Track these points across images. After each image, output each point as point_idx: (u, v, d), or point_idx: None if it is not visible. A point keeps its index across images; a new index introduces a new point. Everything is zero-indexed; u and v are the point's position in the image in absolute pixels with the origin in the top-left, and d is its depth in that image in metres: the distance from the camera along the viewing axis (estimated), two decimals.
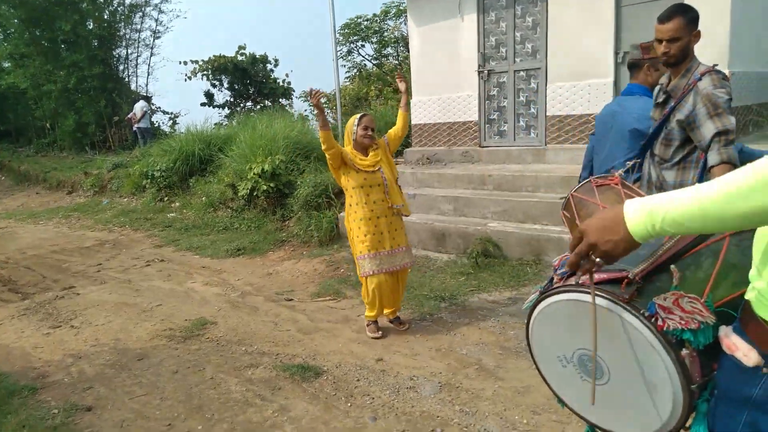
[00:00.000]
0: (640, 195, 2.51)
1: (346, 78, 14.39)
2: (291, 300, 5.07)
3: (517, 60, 6.97)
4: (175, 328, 4.47)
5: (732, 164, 2.22)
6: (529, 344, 1.48)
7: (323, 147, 3.77)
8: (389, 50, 14.72)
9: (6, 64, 18.87)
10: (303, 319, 4.53)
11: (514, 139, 7.06)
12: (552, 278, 1.52)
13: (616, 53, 6.15)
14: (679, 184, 2.51)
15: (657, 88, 2.71)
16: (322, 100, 3.72)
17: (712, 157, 2.26)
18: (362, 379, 3.38)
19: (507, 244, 5.36)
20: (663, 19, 2.46)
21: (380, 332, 4.02)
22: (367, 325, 4.09)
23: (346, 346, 3.92)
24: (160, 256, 7.12)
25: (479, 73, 7.24)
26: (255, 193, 7.92)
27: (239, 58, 18.66)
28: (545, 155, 6.66)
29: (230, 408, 3.13)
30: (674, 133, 2.48)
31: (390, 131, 4.10)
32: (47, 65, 17.01)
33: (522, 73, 6.94)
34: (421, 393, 3.15)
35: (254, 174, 7.87)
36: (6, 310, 5.24)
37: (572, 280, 1.34)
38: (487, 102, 7.30)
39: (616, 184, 2.58)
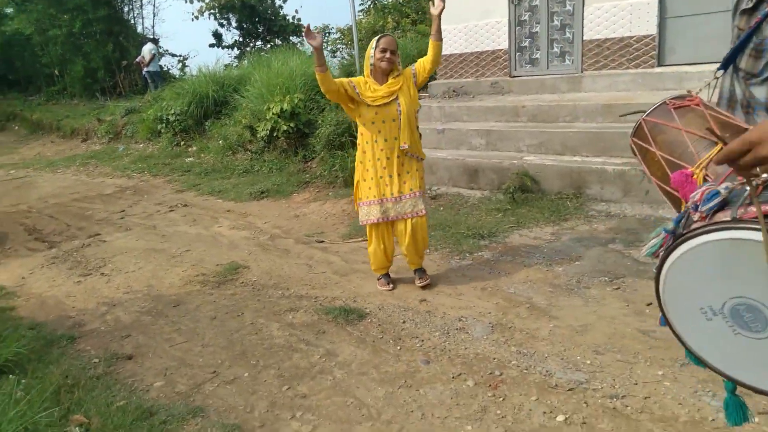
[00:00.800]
0: (728, 117, 2.25)
1: (360, 11, 13.76)
2: (322, 242, 4.92)
3: None
4: (207, 273, 4.35)
5: None
6: (658, 295, 1.27)
7: (322, 89, 3.36)
8: None
9: (8, 10, 18.33)
10: (337, 261, 4.38)
11: (548, 67, 6.65)
12: (685, 216, 1.29)
13: None
14: None
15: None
16: (318, 33, 3.22)
17: None
18: (408, 321, 3.24)
19: (545, 178, 5.10)
20: None
21: (392, 285, 3.71)
22: (378, 279, 3.78)
23: (383, 293, 3.76)
24: (182, 200, 6.97)
25: None
26: (275, 134, 7.66)
27: None
28: (582, 83, 6.27)
29: (275, 354, 3.02)
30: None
31: (420, 60, 3.48)
32: (50, 9, 16.46)
33: None
34: (473, 334, 3.01)
35: (273, 114, 7.59)
36: (34, 260, 5.16)
37: (723, 216, 1.12)
38: (518, 28, 6.84)
39: (697, 105, 2.30)
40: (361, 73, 3.62)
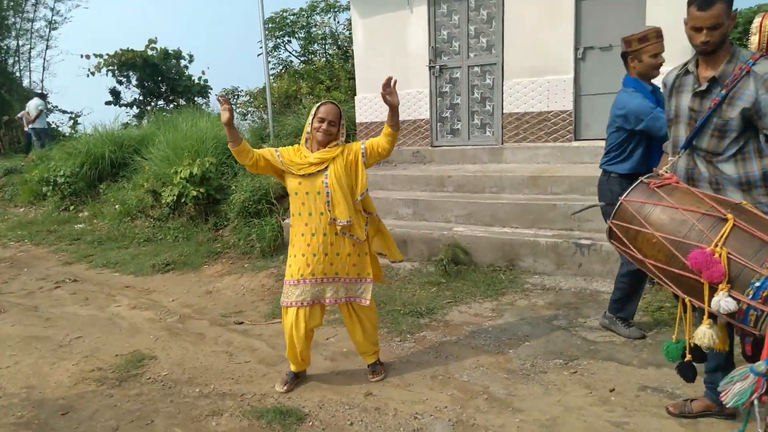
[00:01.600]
0: (714, 194, 2.16)
1: (272, 75, 13.53)
2: (242, 323, 4.38)
3: (471, 55, 6.63)
4: (104, 368, 3.67)
5: None
6: None
7: (240, 162, 3.10)
8: (316, 47, 14.07)
9: None
10: (262, 347, 3.88)
11: (469, 138, 6.72)
12: None
13: (576, 49, 5.95)
14: (744, 177, 2.22)
15: (679, 77, 2.39)
16: (231, 108, 2.91)
17: None
18: (356, 422, 2.82)
19: (476, 250, 4.97)
20: (703, 5, 2.14)
21: (287, 386, 3.18)
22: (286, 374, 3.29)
23: (323, 378, 3.32)
24: (71, 275, 6.11)
25: (430, 68, 6.84)
26: (183, 200, 7.06)
27: (149, 52, 17.25)
28: (503, 154, 6.37)
29: None
30: (732, 124, 2.17)
31: (372, 141, 3.08)
32: None
33: (476, 68, 6.61)
34: None
35: (181, 178, 7.02)
36: None
37: None
38: (439, 99, 6.91)
39: (677, 183, 2.21)
40: (281, 140, 3.32)
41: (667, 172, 2.29)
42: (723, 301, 1.85)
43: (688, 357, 2.15)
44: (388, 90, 2.91)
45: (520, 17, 6.21)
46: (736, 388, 1.17)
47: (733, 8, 2.19)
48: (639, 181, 2.25)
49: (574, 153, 5.91)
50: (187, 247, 6.64)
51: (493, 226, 5.18)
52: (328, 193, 2.97)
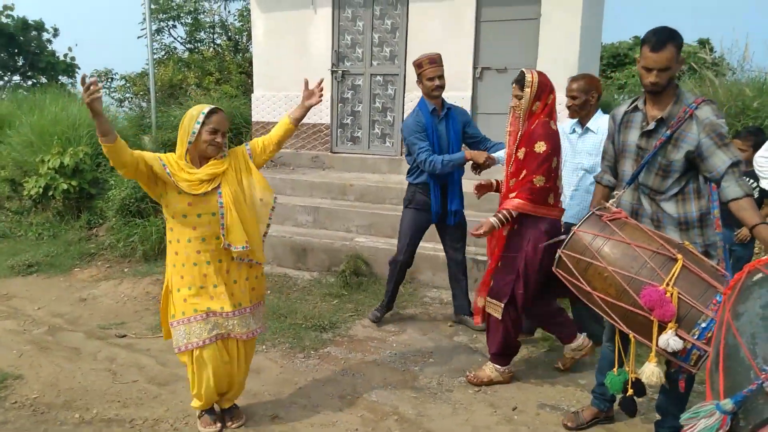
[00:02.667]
0: (660, 234, 2.23)
1: (154, 60, 12.51)
2: (125, 336, 3.99)
3: (375, 63, 6.64)
4: None
5: (751, 196, 2.13)
6: None
7: (112, 163, 2.46)
8: (203, 35, 13.32)
9: None
10: (151, 364, 3.55)
11: (368, 147, 6.73)
12: (755, 395, 1.13)
13: (475, 68, 6.19)
14: (683, 217, 2.36)
15: (628, 113, 2.51)
16: (100, 94, 2.27)
17: (734, 190, 2.13)
18: None
19: (377, 261, 4.97)
20: (655, 47, 2.22)
21: (219, 424, 2.81)
22: (199, 417, 2.84)
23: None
24: None
25: (332, 72, 6.74)
26: (50, 193, 6.32)
27: (4, 20, 15.33)
28: (401, 165, 6.43)
29: None
30: (676, 165, 2.30)
31: (258, 140, 2.78)
32: None
33: (379, 77, 6.63)
34: None
35: (49, 168, 6.29)
36: None
37: None
38: (340, 105, 6.84)
39: (627, 218, 2.28)
40: (165, 132, 2.94)
41: (613, 206, 2.38)
42: (671, 340, 1.91)
43: (630, 391, 2.19)
44: (320, 93, 2.85)
45: (423, 31, 6.33)
46: (701, 424, 1.23)
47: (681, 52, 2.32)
48: (591, 212, 2.29)
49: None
50: (54, 246, 5.94)
51: (394, 237, 5.17)
52: (222, 214, 2.55)
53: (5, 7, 15.27)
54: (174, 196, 2.54)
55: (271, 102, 7.15)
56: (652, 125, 2.36)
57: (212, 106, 2.57)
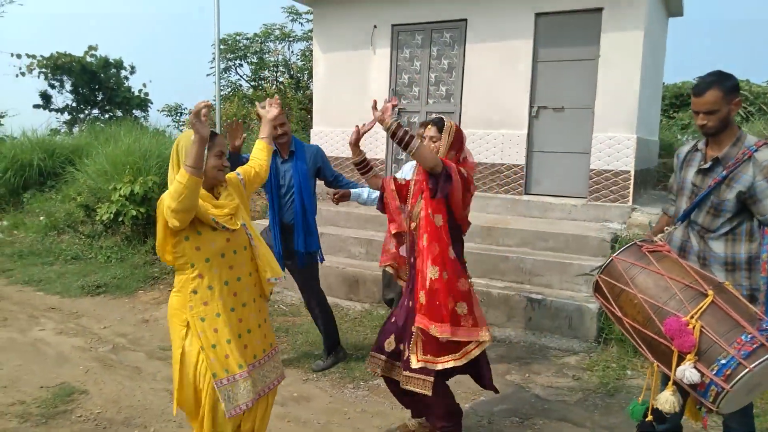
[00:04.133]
0: (699, 270, 2.24)
1: (221, 96, 13.23)
2: None
3: (430, 101, 6.78)
4: (28, 401, 3.34)
5: None
6: None
7: (179, 204, 1.99)
8: (267, 73, 13.96)
9: None
10: None
11: None
12: None
13: (531, 106, 6.21)
14: (731, 257, 2.34)
15: (690, 152, 2.54)
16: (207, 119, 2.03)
17: None
18: None
19: None
20: (698, 92, 2.31)
21: None
22: None
23: (274, 424, 3.16)
24: None
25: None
26: (120, 219, 6.68)
27: (88, 59, 16.55)
28: None
29: None
30: (728, 205, 2.30)
31: (250, 167, 2.57)
32: None
33: (434, 115, 6.74)
34: None
35: (120, 196, 6.66)
36: None
37: None
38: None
39: (668, 252, 2.30)
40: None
41: (661, 239, 2.39)
42: (688, 371, 1.93)
43: (650, 417, 2.21)
44: (278, 103, 2.68)
45: (480, 71, 6.43)
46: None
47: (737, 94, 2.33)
48: (633, 243, 2.34)
49: (524, 206, 6.10)
50: (121, 269, 6.25)
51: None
52: (254, 246, 2.35)
53: (90, 48, 16.50)
54: (210, 234, 2.19)
55: (330, 137, 7.38)
56: (708, 164, 2.36)
57: (210, 129, 2.18)
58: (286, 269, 3.92)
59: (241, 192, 2.45)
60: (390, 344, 2.87)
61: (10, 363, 3.91)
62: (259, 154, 2.62)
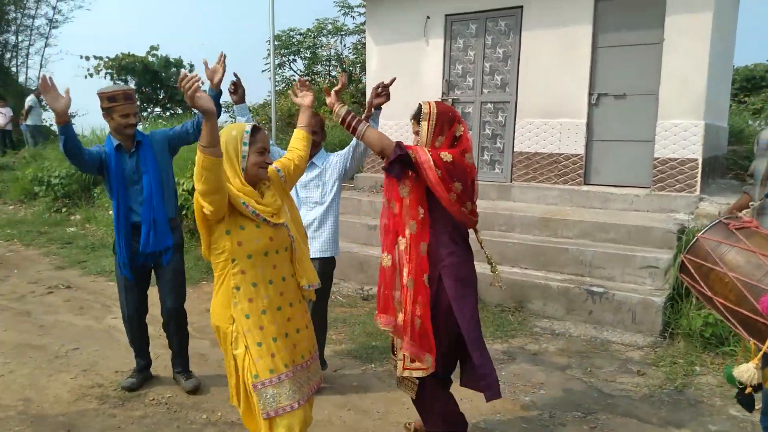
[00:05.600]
0: None
1: (272, 92, 13.57)
2: None
3: (485, 91, 6.70)
4: (105, 384, 3.54)
5: None
6: None
7: (203, 186, 1.99)
8: (320, 68, 14.15)
9: None
10: None
11: (477, 174, 6.74)
12: None
13: (590, 94, 6.04)
14: None
15: None
16: (197, 85, 1.95)
17: None
18: None
19: (486, 288, 4.89)
20: None
21: None
22: None
23: (334, 414, 3.23)
24: (64, 281, 5.94)
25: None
26: (183, 212, 6.94)
27: (150, 59, 17.25)
28: (511, 192, 6.39)
29: None
30: None
31: (288, 160, 2.48)
32: None
33: (489, 105, 6.67)
34: None
35: (183, 190, 6.92)
36: None
37: None
38: None
39: (757, 228, 2.21)
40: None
41: (746, 215, 2.30)
42: None
43: (749, 389, 2.13)
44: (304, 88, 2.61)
45: (536, 58, 6.30)
46: None
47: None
48: (717, 220, 2.26)
49: (583, 197, 5.95)
50: (186, 260, 6.48)
51: (503, 265, 5.15)
52: (294, 248, 2.29)
53: (152, 48, 17.21)
54: (253, 231, 2.14)
55: (383, 129, 7.37)
56: None
57: (253, 123, 2.24)
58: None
59: (283, 189, 2.39)
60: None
61: (88, 348, 4.14)
62: (298, 144, 2.53)
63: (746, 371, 2.01)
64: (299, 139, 2.54)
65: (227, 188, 2.06)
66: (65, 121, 2.89)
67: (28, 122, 13.02)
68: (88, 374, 3.69)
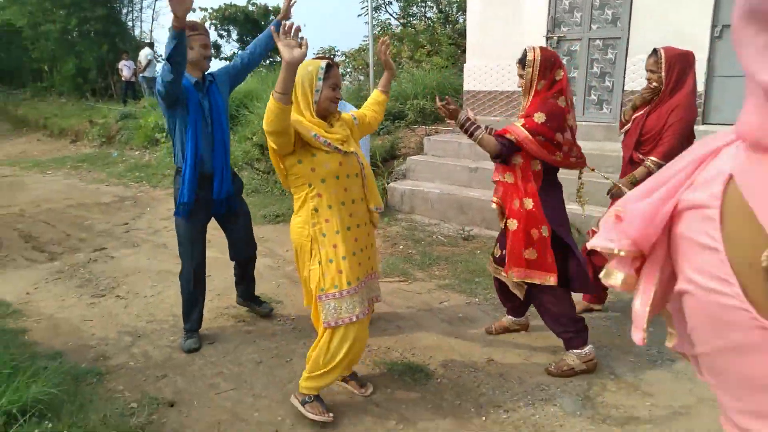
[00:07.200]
0: None
1: (366, 37, 13.57)
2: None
3: (594, 27, 6.39)
4: (238, 306, 3.99)
5: None
6: None
7: (271, 127, 2.18)
8: (415, 9, 13.95)
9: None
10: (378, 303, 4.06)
11: (583, 114, 6.54)
12: None
13: (713, 26, 5.61)
14: None
15: None
16: (296, 42, 2.14)
17: None
18: (482, 384, 2.94)
19: (586, 229, 4.90)
20: None
21: (330, 414, 2.57)
22: (306, 403, 2.59)
23: (443, 340, 3.45)
24: None
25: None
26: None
27: (250, 8, 17.75)
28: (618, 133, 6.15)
29: (342, 415, 2.68)
30: None
31: (364, 113, 2.77)
32: (46, 2, 15.94)
33: (598, 41, 6.38)
34: (563, 408, 2.72)
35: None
36: (36, 272, 4.69)
37: None
38: None
39: None
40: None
41: None
42: None
43: None
44: (387, 49, 2.80)
45: None
46: None
47: None
48: None
49: (702, 136, 5.63)
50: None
51: (605, 206, 5.07)
52: (364, 174, 2.52)
53: None
54: (324, 156, 2.34)
55: (483, 72, 7.31)
56: None
57: (327, 60, 2.39)
58: None
59: (353, 129, 2.62)
60: (497, 251, 3.13)
61: (219, 276, 4.63)
62: (377, 108, 2.81)
63: None
64: (379, 102, 2.83)
65: (298, 120, 2.29)
66: (183, 26, 2.74)
67: (146, 74, 14.01)
68: (221, 298, 4.17)
